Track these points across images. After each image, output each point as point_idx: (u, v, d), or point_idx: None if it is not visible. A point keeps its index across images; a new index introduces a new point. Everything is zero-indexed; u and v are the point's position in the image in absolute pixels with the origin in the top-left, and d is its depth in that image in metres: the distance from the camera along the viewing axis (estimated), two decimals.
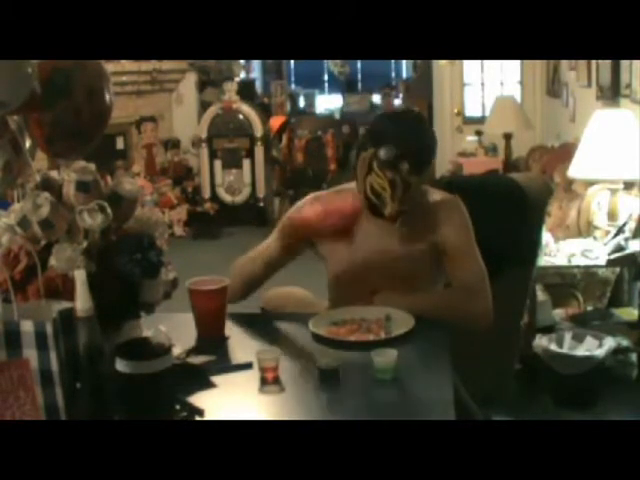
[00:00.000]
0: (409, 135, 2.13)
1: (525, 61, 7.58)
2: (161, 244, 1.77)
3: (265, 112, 8.34)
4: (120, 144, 7.61)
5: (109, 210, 1.66)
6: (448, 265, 2.18)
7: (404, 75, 12.28)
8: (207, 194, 7.79)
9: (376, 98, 10.90)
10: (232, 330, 2.07)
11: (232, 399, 1.71)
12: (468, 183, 2.91)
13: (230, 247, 7.12)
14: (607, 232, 3.81)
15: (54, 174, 1.80)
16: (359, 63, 12.44)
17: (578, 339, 3.47)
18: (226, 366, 1.85)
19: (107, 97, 1.87)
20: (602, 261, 3.65)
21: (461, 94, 8.09)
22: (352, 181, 2.23)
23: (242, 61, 8.64)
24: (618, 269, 3.91)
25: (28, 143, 1.86)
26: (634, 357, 3.73)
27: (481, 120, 7.35)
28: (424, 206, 2.22)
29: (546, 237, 3.70)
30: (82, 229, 1.67)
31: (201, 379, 1.76)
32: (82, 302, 1.49)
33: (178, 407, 1.59)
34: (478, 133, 7.35)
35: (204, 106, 8.11)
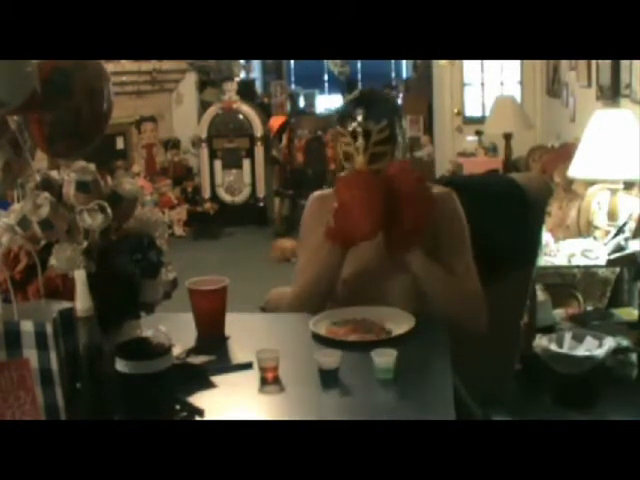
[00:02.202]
0: (362, 92, 2.31)
1: (525, 61, 7.58)
2: (161, 244, 1.77)
3: (265, 112, 8.35)
4: (120, 144, 7.62)
5: (109, 210, 1.66)
6: (441, 255, 2.18)
7: (404, 75, 12.27)
8: (207, 194, 7.80)
9: None
10: (232, 330, 2.07)
11: (232, 399, 1.71)
12: (468, 183, 2.91)
13: (230, 247, 7.13)
14: (607, 232, 3.80)
15: (54, 174, 1.80)
16: (359, 63, 12.43)
17: (578, 339, 3.47)
18: (226, 366, 1.85)
19: (107, 97, 1.87)
20: (602, 261, 3.65)
21: (461, 94, 8.10)
22: None
23: (242, 61, 8.64)
24: (618, 269, 3.91)
25: (28, 143, 1.86)
26: (634, 357, 3.73)
27: (481, 120, 7.36)
28: None
29: (546, 237, 3.70)
30: (82, 229, 1.67)
31: (201, 379, 1.76)
32: (82, 302, 1.49)
33: (178, 407, 1.59)
34: (478, 133, 7.36)
35: (204, 106, 8.12)
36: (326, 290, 2.19)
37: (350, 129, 2.17)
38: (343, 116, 2.22)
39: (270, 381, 1.74)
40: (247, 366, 1.83)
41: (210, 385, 1.76)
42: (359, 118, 2.16)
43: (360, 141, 2.15)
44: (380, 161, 2.16)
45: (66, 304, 1.50)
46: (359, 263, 2.21)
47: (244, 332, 2.10)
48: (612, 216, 3.80)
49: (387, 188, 2.09)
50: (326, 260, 2.17)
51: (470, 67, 7.95)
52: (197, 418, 1.58)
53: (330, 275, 2.18)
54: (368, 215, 2.07)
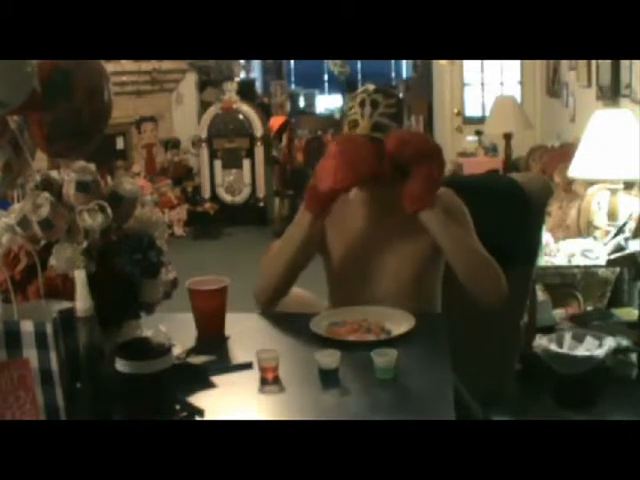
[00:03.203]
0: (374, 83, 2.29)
1: (525, 61, 7.58)
2: (161, 244, 1.77)
3: (265, 112, 8.35)
4: (120, 144, 7.62)
5: (109, 210, 1.66)
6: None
7: (404, 75, 12.29)
8: (207, 194, 7.80)
9: None
10: (232, 330, 2.07)
11: (232, 399, 1.71)
12: (468, 183, 2.91)
13: (230, 247, 7.13)
14: (607, 232, 3.81)
15: (54, 174, 1.80)
16: (359, 63, 12.44)
17: (578, 339, 3.47)
18: (226, 366, 1.85)
19: (107, 97, 1.87)
20: (602, 261, 3.65)
21: (461, 94, 8.10)
22: None
23: (242, 61, 8.64)
24: (618, 269, 3.91)
25: (28, 143, 1.86)
26: (634, 357, 3.73)
27: (481, 120, 7.36)
28: None
29: (546, 237, 3.70)
30: (82, 229, 1.67)
31: (201, 379, 1.76)
32: (82, 302, 1.49)
33: (178, 407, 1.59)
34: (478, 133, 7.35)
35: (204, 106, 8.12)
36: (289, 266, 2.18)
37: (359, 99, 2.19)
38: (354, 95, 2.24)
39: (270, 381, 1.74)
40: (247, 366, 1.83)
41: (210, 385, 1.76)
42: (370, 90, 2.20)
43: (367, 108, 2.16)
44: (381, 132, 2.15)
45: (66, 304, 1.50)
46: (357, 257, 2.21)
47: (244, 332, 2.10)
48: (612, 216, 3.80)
49: (392, 150, 2.09)
50: (294, 230, 2.17)
51: (470, 67, 7.96)
52: (197, 418, 1.58)
53: (294, 246, 2.17)
54: (347, 163, 2.07)
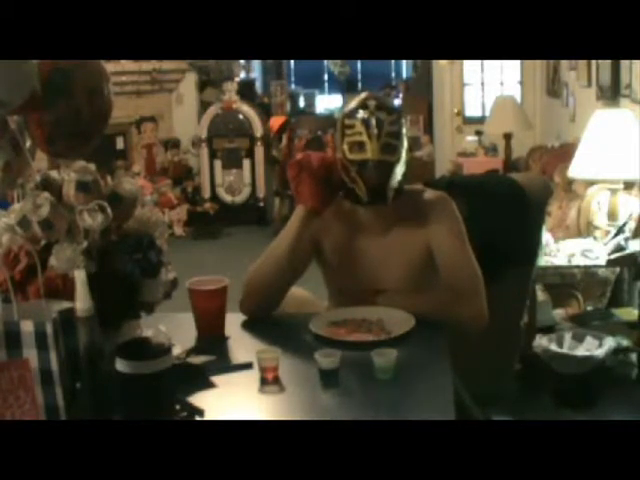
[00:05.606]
0: (369, 93, 2.21)
1: (525, 61, 7.58)
2: (161, 244, 1.77)
3: (265, 112, 8.35)
4: (120, 144, 7.62)
5: (109, 210, 1.66)
6: (440, 267, 2.17)
7: (404, 75, 12.29)
8: (207, 194, 7.80)
9: None
10: (232, 330, 2.07)
11: (232, 399, 1.71)
12: (468, 183, 2.91)
13: (230, 247, 7.13)
14: (607, 232, 3.81)
15: (54, 174, 1.81)
16: (359, 63, 12.45)
17: (578, 339, 3.47)
18: (226, 366, 1.86)
19: (107, 97, 1.87)
20: (602, 261, 3.65)
21: (461, 94, 8.09)
22: None
23: (242, 61, 8.63)
24: (618, 269, 3.90)
25: (28, 143, 1.86)
26: (634, 357, 3.73)
27: (481, 120, 7.35)
28: (416, 206, 2.20)
29: (546, 237, 3.70)
30: (82, 229, 1.67)
31: (201, 379, 1.76)
32: (82, 302, 1.49)
33: (178, 407, 1.59)
34: (478, 133, 7.35)
35: (204, 106, 8.12)
36: (280, 263, 2.15)
37: (361, 117, 2.10)
38: (351, 111, 2.13)
39: (270, 381, 1.74)
40: (247, 366, 1.83)
41: (210, 385, 1.76)
42: (371, 107, 2.11)
43: (373, 128, 2.08)
44: (390, 154, 2.10)
45: (66, 304, 1.50)
46: (353, 266, 2.21)
47: (244, 332, 2.10)
48: (612, 216, 3.80)
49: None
50: (290, 225, 2.17)
51: (470, 67, 7.94)
52: (197, 418, 1.58)
53: (289, 240, 2.15)
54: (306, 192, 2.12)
